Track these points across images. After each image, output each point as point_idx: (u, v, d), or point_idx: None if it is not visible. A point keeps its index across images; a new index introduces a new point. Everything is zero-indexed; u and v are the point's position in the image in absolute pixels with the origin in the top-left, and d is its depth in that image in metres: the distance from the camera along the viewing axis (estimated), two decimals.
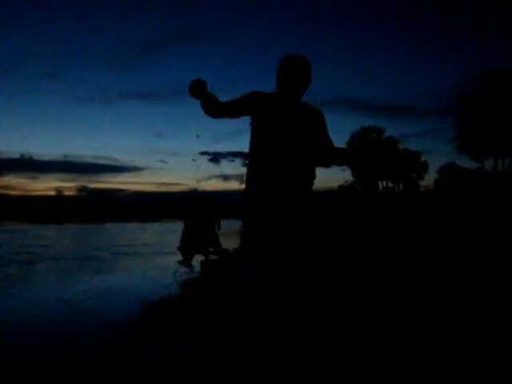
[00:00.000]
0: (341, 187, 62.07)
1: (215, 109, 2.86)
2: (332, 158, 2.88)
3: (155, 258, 14.38)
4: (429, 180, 76.66)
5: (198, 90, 2.79)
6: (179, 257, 11.35)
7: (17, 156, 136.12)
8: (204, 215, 11.19)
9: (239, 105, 2.85)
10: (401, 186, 63.16)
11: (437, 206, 19.16)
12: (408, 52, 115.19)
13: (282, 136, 2.71)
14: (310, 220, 2.71)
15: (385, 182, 64.02)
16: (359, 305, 3.98)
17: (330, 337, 2.93)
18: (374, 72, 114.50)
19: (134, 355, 3.63)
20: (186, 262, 10.68)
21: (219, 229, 11.46)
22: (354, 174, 60.06)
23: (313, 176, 2.83)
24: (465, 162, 74.80)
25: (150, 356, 3.53)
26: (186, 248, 10.90)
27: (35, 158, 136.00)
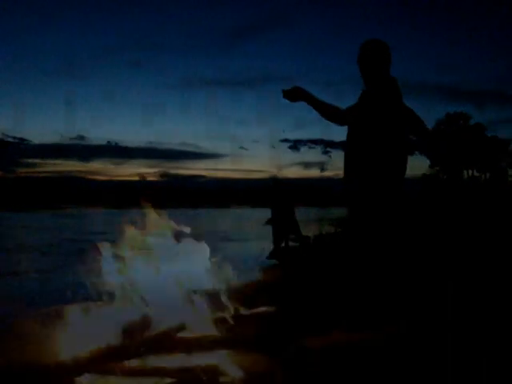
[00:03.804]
0: (424, 175, 59.75)
1: (344, 118, 3.01)
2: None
3: (236, 244, 14.55)
4: None
5: (297, 95, 2.98)
6: (257, 243, 11.37)
7: (104, 142, 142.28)
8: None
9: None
10: (487, 176, 60.02)
11: None
12: (498, 34, 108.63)
13: (357, 129, 2.84)
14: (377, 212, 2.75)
15: (470, 171, 61.09)
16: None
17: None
18: (460, 56, 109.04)
19: None
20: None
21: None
22: (432, 164, 57.14)
23: (387, 166, 2.71)
24: None
25: None
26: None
27: (121, 144, 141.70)
